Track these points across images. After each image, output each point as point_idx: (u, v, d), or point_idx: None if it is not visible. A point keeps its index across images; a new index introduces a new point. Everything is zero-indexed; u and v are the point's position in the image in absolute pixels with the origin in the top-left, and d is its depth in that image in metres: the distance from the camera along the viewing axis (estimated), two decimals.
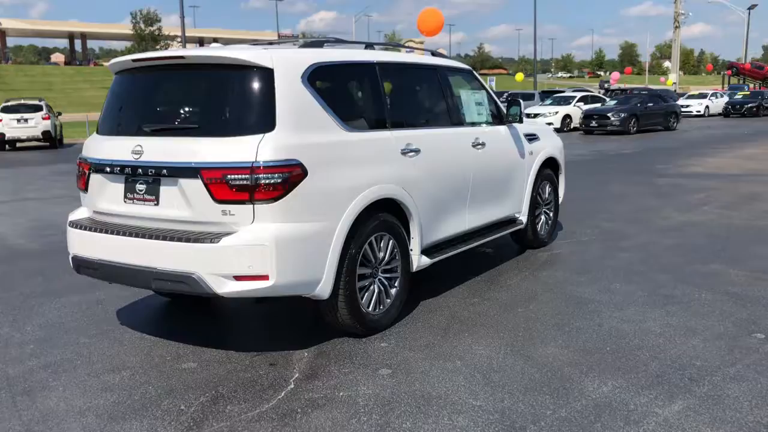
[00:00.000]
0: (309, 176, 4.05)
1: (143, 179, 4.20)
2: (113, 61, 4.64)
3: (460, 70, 6.12)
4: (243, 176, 3.88)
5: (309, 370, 4.09)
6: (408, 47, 6.82)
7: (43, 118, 22.56)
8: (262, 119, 4.00)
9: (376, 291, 4.67)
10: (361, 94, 4.90)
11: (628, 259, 6.54)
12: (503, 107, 6.34)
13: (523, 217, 6.60)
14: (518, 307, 5.20)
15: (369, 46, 5.14)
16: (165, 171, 4.08)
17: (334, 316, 4.45)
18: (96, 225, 4.43)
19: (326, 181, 4.17)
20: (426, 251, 5.20)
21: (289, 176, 3.95)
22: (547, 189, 7.10)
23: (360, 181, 4.40)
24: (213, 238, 3.91)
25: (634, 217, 8.77)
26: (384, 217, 4.65)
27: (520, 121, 6.36)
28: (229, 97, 4.13)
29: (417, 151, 4.97)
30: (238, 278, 3.91)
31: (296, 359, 4.26)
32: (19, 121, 22.43)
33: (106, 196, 4.44)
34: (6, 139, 22.80)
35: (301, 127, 4.13)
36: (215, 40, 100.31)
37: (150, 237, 4.08)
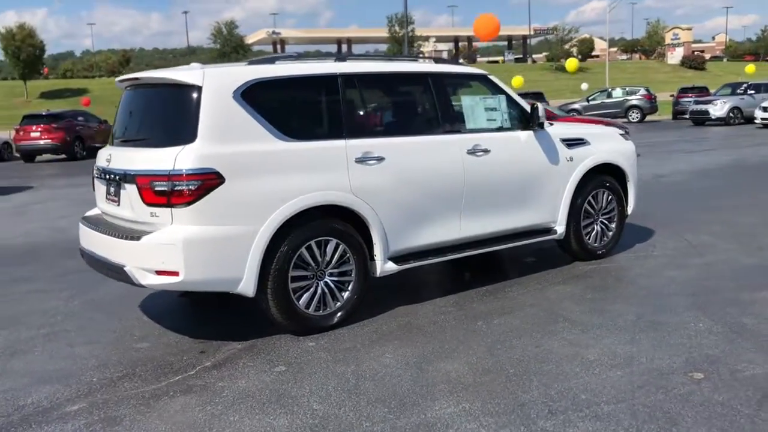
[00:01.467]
0: (226, 183, 4.44)
1: (111, 183, 4.92)
2: (116, 79, 5.45)
3: (468, 75, 6.02)
4: (163, 183, 4.40)
5: (222, 360, 4.49)
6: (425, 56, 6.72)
7: None
8: (186, 132, 4.48)
9: (318, 293, 4.89)
10: (311, 106, 5.12)
11: (674, 280, 5.86)
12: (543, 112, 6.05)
13: (560, 227, 6.24)
14: (481, 320, 5.04)
15: (340, 59, 5.33)
16: (119, 177, 4.77)
17: (268, 313, 4.78)
18: (90, 220, 5.27)
19: (248, 187, 4.52)
20: (401, 257, 5.27)
21: (202, 183, 4.38)
22: (604, 197, 6.58)
23: (293, 187, 4.67)
24: (139, 236, 4.49)
25: (750, 232, 7.66)
26: (328, 222, 4.86)
27: (538, 125, 6.02)
28: (167, 112, 4.69)
29: (380, 159, 5.08)
30: (158, 272, 4.44)
31: (224, 349, 4.68)
32: None
33: (99, 196, 5.26)
34: None
35: (224, 138, 4.53)
36: (469, 39, 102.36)
37: (108, 232, 4.80)
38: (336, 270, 4.98)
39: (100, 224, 5.03)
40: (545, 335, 4.66)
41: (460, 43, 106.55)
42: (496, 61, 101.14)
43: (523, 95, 30.11)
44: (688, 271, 6.12)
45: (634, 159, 6.89)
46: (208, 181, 4.40)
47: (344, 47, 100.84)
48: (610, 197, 6.65)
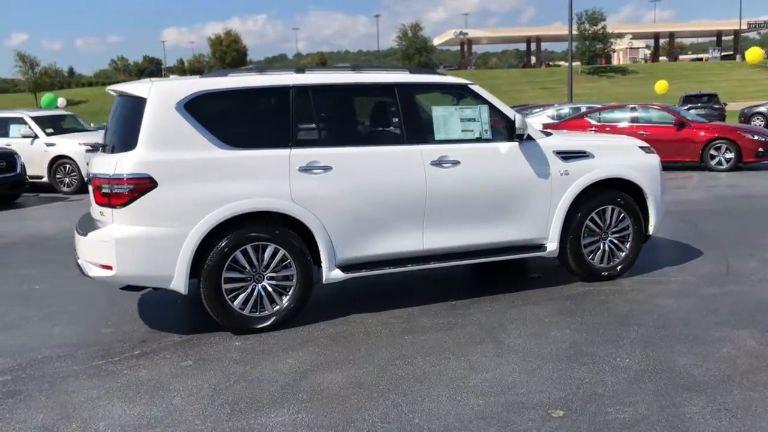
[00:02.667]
0: (159, 187, 4.83)
1: (89, 185, 5.51)
2: (106, 89, 6.04)
3: (446, 86, 5.90)
4: (106, 185, 4.89)
5: (150, 350, 4.88)
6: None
7: None
8: (130, 140, 4.92)
9: (254, 294, 5.12)
10: (257, 116, 5.32)
11: (656, 311, 5.34)
12: (524, 122, 5.77)
13: (551, 244, 5.91)
14: (412, 335, 4.98)
15: (300, 70, 5.47)
16: (88, 180, 5.34)
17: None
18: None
19: (180, 192, 4.86)
20: (351, 266, 5.35)
21: (135, 187, 4.80)
22: (613, 215, 6.12)
23: (227, 193, 4.94)
24: (88, 232, 5.02)
25: None
26: (265, 227, 5.07)
27: (517, 137, 5.73)
28: (124, 122, 5.17)
29: (327, 168, 5.19)
30: (100, 266, 4.94)
31: (163, 340, 5.06)
32: None
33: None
34: None
35: (162, 146, 4.91)
36: (671, 35, 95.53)
37: (77, 229, 5.38)
38: (277, 274, 5.16)
39: (81, 222, 5.63)
40: (456, 356, 4.51)
41: (661, 40, 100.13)
42: (700, 59, 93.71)
43: (695, 97, 28.08)
44: (686, 301, 5.52)
45: (657, 174, 6.30)
46: (141, 185, 4.81)
47: (533, 46, 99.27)
48: (621, 215, 6.16)
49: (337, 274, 5.30)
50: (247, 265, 5.08)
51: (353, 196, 5.28)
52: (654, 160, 6.35)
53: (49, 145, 15.45)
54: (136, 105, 5.01)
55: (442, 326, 5.14)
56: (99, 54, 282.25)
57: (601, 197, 6.07)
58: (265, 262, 5.12)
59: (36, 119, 16.01)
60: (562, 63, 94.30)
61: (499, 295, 5.88)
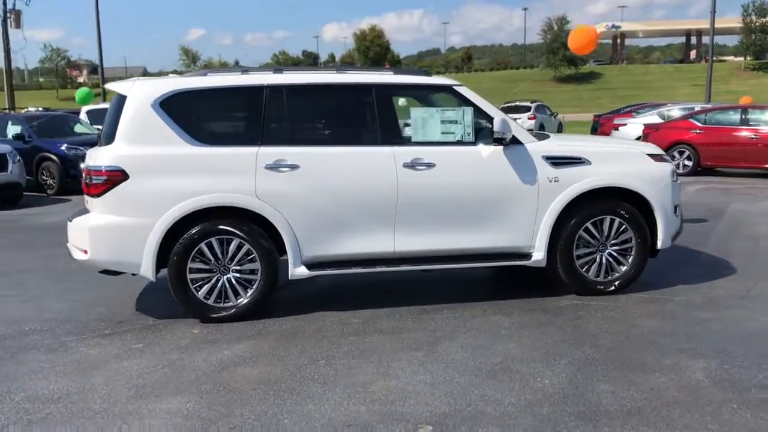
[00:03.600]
0: (130, 180, 5.16)
1: None
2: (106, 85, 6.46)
3: (431, 87, 5.81)
4: (88, 176, 5.30)
5: (119, 330, 5.24)
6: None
7: (529, 119, 25.07)
8: (111, 135, 5.30)
9: (218, 286, 5.34)
10: (230, 115, 5.50)
11: (628, 331, 4.98)
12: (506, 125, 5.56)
13: (538, 253, 5.66)
14: (356, 336, 4.98)
15: (278, 70, 5.59)
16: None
17: None
18: None
19: (150, 185, 5.17)
20: (318, 264, 5.44)
21: (108, 179, 5.17)
22: (613, 226, 5.75)
23: (195, 188, 5.18)
24: (74, 219, 5.46)
25: None
26: (230, 222, 5.26)
27: (496, 141, 5.51)
28: (110, 118, 5.53)
29: (294, 167, 5.31)
30: (81, 250, 5.37)
31: (136, 323, 5.42)
32: None
33: None
34: None
35: (136, 141, 5.24)
36: None
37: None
38: (242, 267, 5.35)
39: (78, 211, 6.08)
40: (380, 361, 4.47)
41: None
42: None
43: None
44: (668, 324, 5.10)
45: (666, 184, 5.83)
46: (113, 177, 5.17)
47: (693, 39, 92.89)
48: (622, 226, 5.77)
49: (302, 271, 5.39)
50: (212, 257, 5.30)
51: (319, 196, 5.34)
52: (664, 168, 5.88)
53: None
54: (120, 102, 5.37)
55: (394, 330, 5.09)
56: (265, 49, 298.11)
57: (598, 207, 5.72)
58: (229, 255, 5.32)
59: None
60: (730, 58, 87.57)
61: (481, 302, 5.71)
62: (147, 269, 5.22)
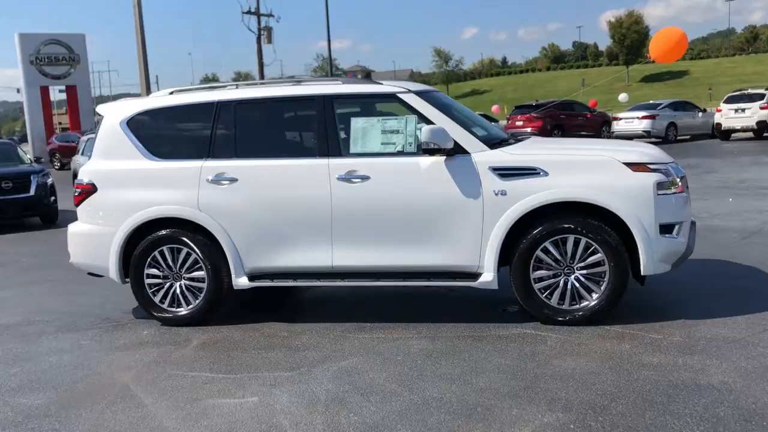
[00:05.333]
0: (98, 192, 5.76)
1: None
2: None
3: (375, 96, 5.55)
4: (74, 189, 6.01)
5: (91, 327, 5.86)
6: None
7: (761, 108, 21.76)
8: (92, 151, 5.95)
9: (171, 292, 5.70)
10: (183, 131, 5.75)
11: (551, 371, 4.32)
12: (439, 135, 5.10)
13: (487, 274, 5.13)
14: (264, 350, 5.00)
15: (240, 86, 5.74)
16: None
17: None
18: None
19: (113, 196, 5.70)
20: (259, 275, 5.54)
21: (82, 191, 5.81)
22: (579, 246, 4.99)
23: (149, 199, 5.60)
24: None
25: None
26: (178, 232, 5.59)
27: (427, 152, 5.06)
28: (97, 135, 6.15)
29: (233, 180, 5.48)
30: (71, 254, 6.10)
31: (116, 321, 6.00)
32: (736, 111, 22.39)
33: None
34: (722, 129, 23.11)
35: (106, 157, 5.81)
36: None
37: None
38: (192, 275, 5.64)
39: None
40: (253, 379, 4.46)
41: None
42: None
43: None
44: (593, 364, 4.31)
45: (646, 198, 4.88)
46: (86, 189, 5.79)
47: None
48: (591, 247, 4.99)
49: (244, 282, 5.53)
50: (164, 265, 5.67)
51: (257, 208, 5.43)
52: (643, 180, 4.93)
53: None
54: (101, 121, 5.99)
55: (306, 347, 5.00)
56: (537, 42, 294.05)
57: (558, 223, 5.01)
58: (179, 264, 5.64)
59: None
60: None
61: (422, 323, 5.33)
62: (114, 273, 5.76)
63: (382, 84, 5.62)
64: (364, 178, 5.24)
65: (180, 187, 5.56)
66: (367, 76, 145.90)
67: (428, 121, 5.24)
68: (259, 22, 39.58)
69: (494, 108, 43.75)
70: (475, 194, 5.07)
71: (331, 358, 4.74)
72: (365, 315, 5.68)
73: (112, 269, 5.73)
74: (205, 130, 5.65)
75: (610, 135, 26.12)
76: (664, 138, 24.09)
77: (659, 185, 4.95)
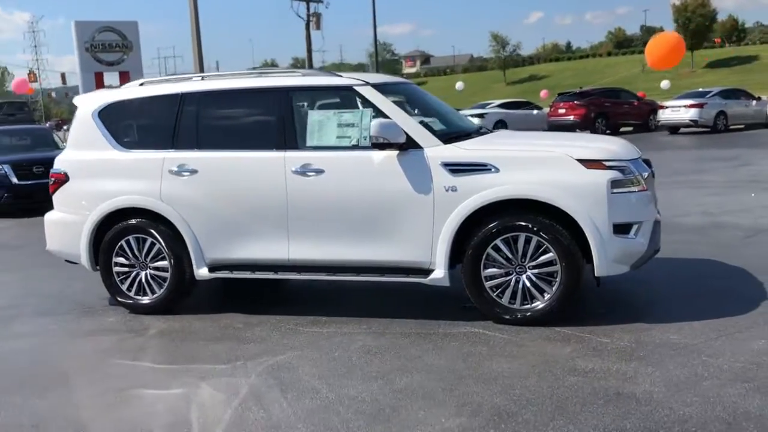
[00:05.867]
0: (70, 181, 5.90)
1: None
2: None
3: (332, 88, 5.49)
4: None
5: (65, 313, 6.04)
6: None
7: None
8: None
9: (137, 280, 5.81)
10: (148, 122, 5.80)
11: (492, 373, 4.24)
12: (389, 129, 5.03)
13: (439, 271, 5.06)
14: (206, 342, 5.06)
15: (206, 77, 5.76)
16: None
17: None
18: None
19: (83, 186, 5.84)
20: (219, 266, 5.59)
21: (56, 180, 5.97)
22: (531, 245, 4.85)
23: (115, 189, 5.71)
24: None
25: None
26: (138, 222, 5.68)
27: (376, 145, 4.98)
28: None
29: (193, 171, 5.54)
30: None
31: (92, 309, 6.16)
32: None
33: None
34: None
35: (78, 147, 5.95)
36: None
37: None
38: (157, 265, 5.74)
39: None
40: (179, 370, 4.54)
41: None
42: None
43: None
44: (524, 368, 4.19)
45: (600, 196, 4.70)
46: (59, 179, 5.95)
47: None
48: (542, 246, 4.85)
49: (204, 273, 5.59)
50: (130, 254, 5.78)
51: (215, 200, 5.48)
52: (597, 177, 4.74)
53: None
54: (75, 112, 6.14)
55: (253, 339, 5.01)
56: (604, 26, 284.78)
57: (509, 221, 4.89)
58: (144, 253, 5.74)
59: None
60: None
61: (378, 318, 5.29)
62: (84, 261, 5.90)
63: (341, 76, 5.55)
64: (319, 171, 5.21)
65: (144, 177, 5.65)
66: (426, 61, 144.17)
67: (384, 115, 5.16)
68: (308, 8, 39.74)
69: (543, 93, 42.95)
70: (426, 190, 4.98)
71: (272, 351, 4.75)
72: (326, 308, 5.66)
73: (83, 257, 5.87)
74: (169, 121, 5.70)
75: (656, 124, 25.27)
76: (712, 127, 23.15)
77: (615, 183, 4.76)
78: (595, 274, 4.82)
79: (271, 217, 5.36)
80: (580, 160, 4.80)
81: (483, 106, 26.61)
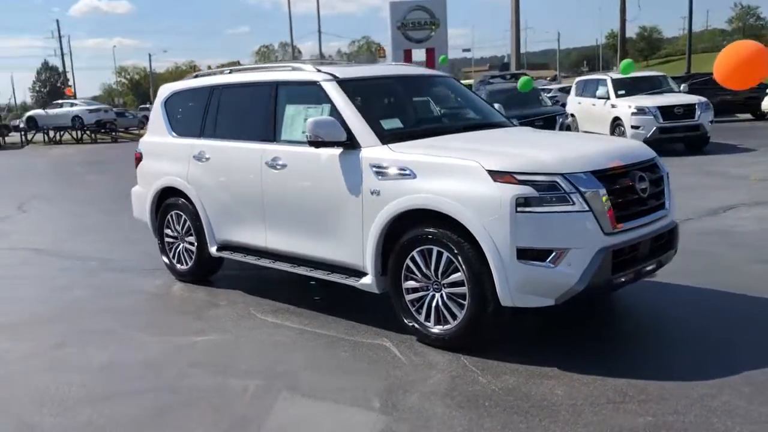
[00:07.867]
0: (143, 160, 6.95)
1: None
2: None
3: (299, 83, 5.55)
4: None
5: (131, 273, 7.17)
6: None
7: None
8: None
9: (178, 251, 6.63)
10: (189, 111, 6.39)
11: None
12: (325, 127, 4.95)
13: (367, 277, 4.92)
14: (180, 314, 5.64)
15: (234, 71, 6.18)
16: None
17: None
18: None
19: (150, 165, 6.84)
20: (223, 247, 6.16)
21: (137, 159, 7.07)
22: (442, 260, 4.44)
23: (163, 169, 6.60)
24: None
25: None
26: (177, 200, 6.47)
27: (314, 144, 4.91)
28: None
29: (207, 158, 6.13)
30: None
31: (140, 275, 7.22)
32: None
33: None
34: None
35: (151, 132, 6.96)
36: None
37: None
38: (188, 239, 6.49)
39: None
40: (120, 343, 5.20)
41: None
42: None
43: None
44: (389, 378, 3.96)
45: (502, 214, 4.05)
46: (137, 157, 7.03)
47: None
48: (451, 263, 4.42)
49: (213, 251, 6.19)
50: (172, 228, 6.61)
51: (218, 186, 6.01)
52: (501, 192, 4.09)
53: (612, 106, 16.47)
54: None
55: (211, 318, 5.47)
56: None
57: (422, 233, 4.54)
58: (179, 228, 6.52)
59: (614, 81, 17.07)
60: None
61: (340, 319, 5.27)
62: (150, 225, 6.90)
63: (319, 71, 5.50)
64: (283, 165, 5.38)
65: (180, 161, 6.38)
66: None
67: (337, 112, 5.10)
68: None
69: None
70: (357, 191, 4.85)
71: (207, 331, 5.14)
72: (298, 298, 5.80)
73: (150, 222, 6.88)
74: (201, 110, 6.32)
75: None
76: None
77: (525, 201, 4.08)
78: (502, 303, 4.22)
79: (252, 206, 5.70)
80: (490, 171, 4.20)
81: None
